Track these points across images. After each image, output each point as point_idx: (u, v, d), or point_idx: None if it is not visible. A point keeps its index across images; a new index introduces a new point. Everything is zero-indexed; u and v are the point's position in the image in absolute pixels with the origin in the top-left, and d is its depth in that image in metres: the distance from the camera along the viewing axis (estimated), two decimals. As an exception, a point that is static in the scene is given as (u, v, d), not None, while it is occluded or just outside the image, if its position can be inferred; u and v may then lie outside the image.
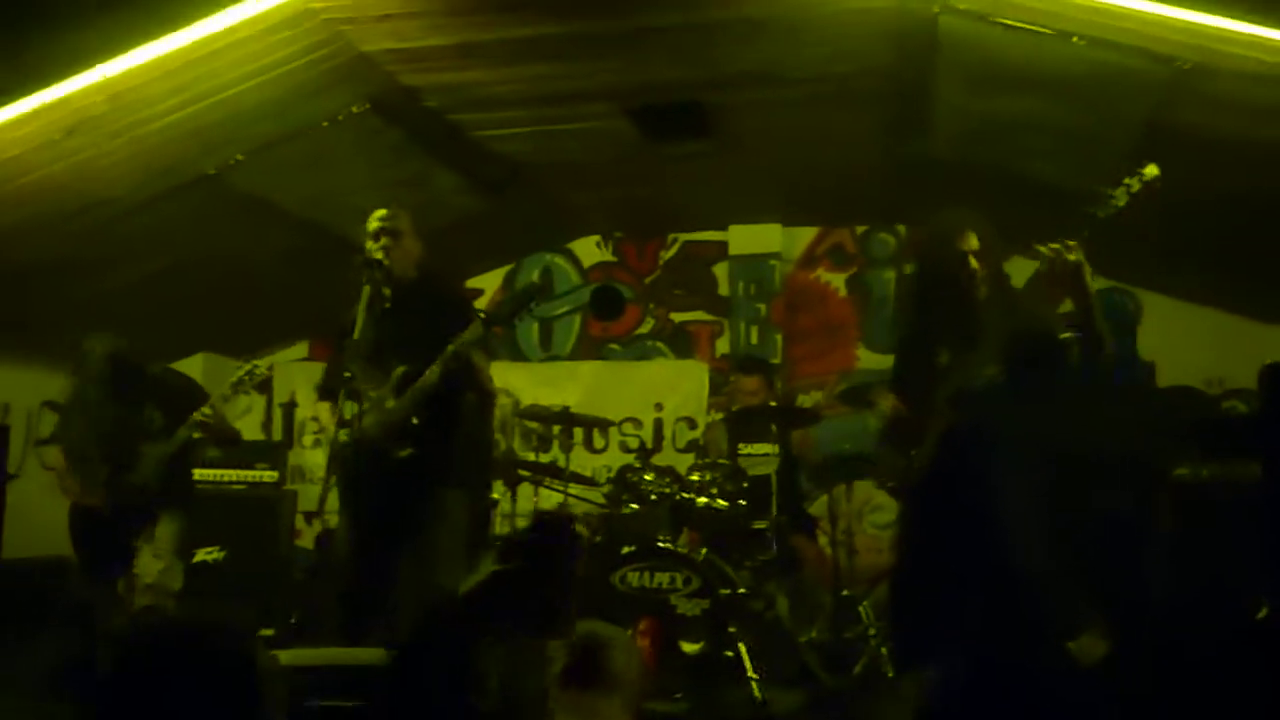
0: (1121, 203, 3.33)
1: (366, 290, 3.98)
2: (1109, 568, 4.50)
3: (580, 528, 3.08)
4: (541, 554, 2.83)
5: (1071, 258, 3.35)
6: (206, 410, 4.84)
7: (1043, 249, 3.43)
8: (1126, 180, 3.34)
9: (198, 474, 6.29)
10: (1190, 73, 4.29)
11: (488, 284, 8.29)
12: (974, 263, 3.68)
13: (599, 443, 7.86)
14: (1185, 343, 6.94)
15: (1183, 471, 4.14)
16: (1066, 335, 3.46)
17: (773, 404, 6.03)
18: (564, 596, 2.76)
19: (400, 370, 4.03)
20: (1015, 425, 3.51)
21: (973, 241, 3.71)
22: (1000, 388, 3.47)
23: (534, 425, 6.75)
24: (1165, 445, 4.33)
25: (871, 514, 7.32)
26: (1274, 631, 3.70)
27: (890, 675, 5.29)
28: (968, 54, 4.76)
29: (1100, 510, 4.51)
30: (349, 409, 3.90)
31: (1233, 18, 3.82)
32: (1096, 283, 3.50)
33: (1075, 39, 4.35)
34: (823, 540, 6.48)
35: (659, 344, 8.14)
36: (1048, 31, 4.35)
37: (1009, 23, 4.38)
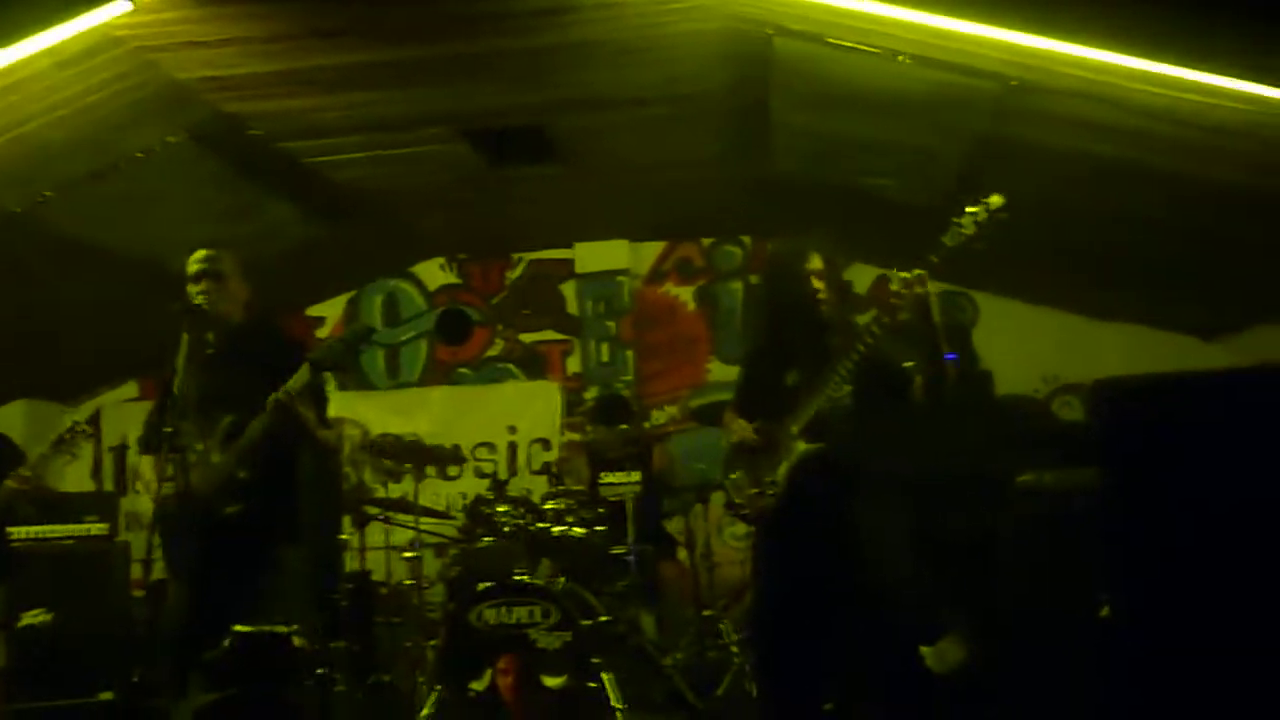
0: (970, 231, 3.40)
1: (185, 338, 3.73)
2: (963, 578, 4.59)
3: (298, 640, 2.90)
4: (251, 676, 2.65)
5: (919, 290, 3.40)
6: (25, 473, 4.50)
7: (892, 282, 3.46)
8: (971, 209, 3.41)
9: (19, 532, 5.89)
10: (1017, 89, 4.40)
11: (329, 311, 8.05)
12: (817, 283, 3.69)
13: (452, 470, 7.68)
14: (1020, 341, 7.17)
15: (1026, 479, 4.23)
16: (909, 365, 3.50)
17: (624, 428, 5.96)
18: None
19: (226, 420, 3.81)
20: (868, 451, 3.53)
21: (816, 262, 3.73)
22: (851, 415, 3.48)
23: (385, 462, 6.52)
24: (1007, 456, 4.43)
25: (730, 526, 7.35)
26: (1113, 629, 3.80)
27: (754, 693, 5.31)
28: (803, 74, 4.80)
29: (951, 524, 4.61)
30: (171, 464, 3.64)
31: (1053, 38, 3.91)
32: (933, 286, 3.56)
33: (901, 58, 4.42)
34: (682, 555, 6.46)
35: (510, 366, 8.03)
36: (876, 51, 4.41)
37: (840, 43, 4.42)
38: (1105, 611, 3.93)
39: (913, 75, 4.54)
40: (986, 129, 4.91)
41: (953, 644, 4.53)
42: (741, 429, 3.83)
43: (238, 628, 3.22)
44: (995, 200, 3.42)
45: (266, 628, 3.58)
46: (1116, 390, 3.64)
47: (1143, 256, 5.83)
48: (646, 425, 7.42)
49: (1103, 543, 3.72)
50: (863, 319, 3.68)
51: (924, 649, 3.99)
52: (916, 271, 3.44)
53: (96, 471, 7.87)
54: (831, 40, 4.40)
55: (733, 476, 3.85)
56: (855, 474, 3.51)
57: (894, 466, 3.61)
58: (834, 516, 3.50)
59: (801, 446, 3.52)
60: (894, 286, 3.45)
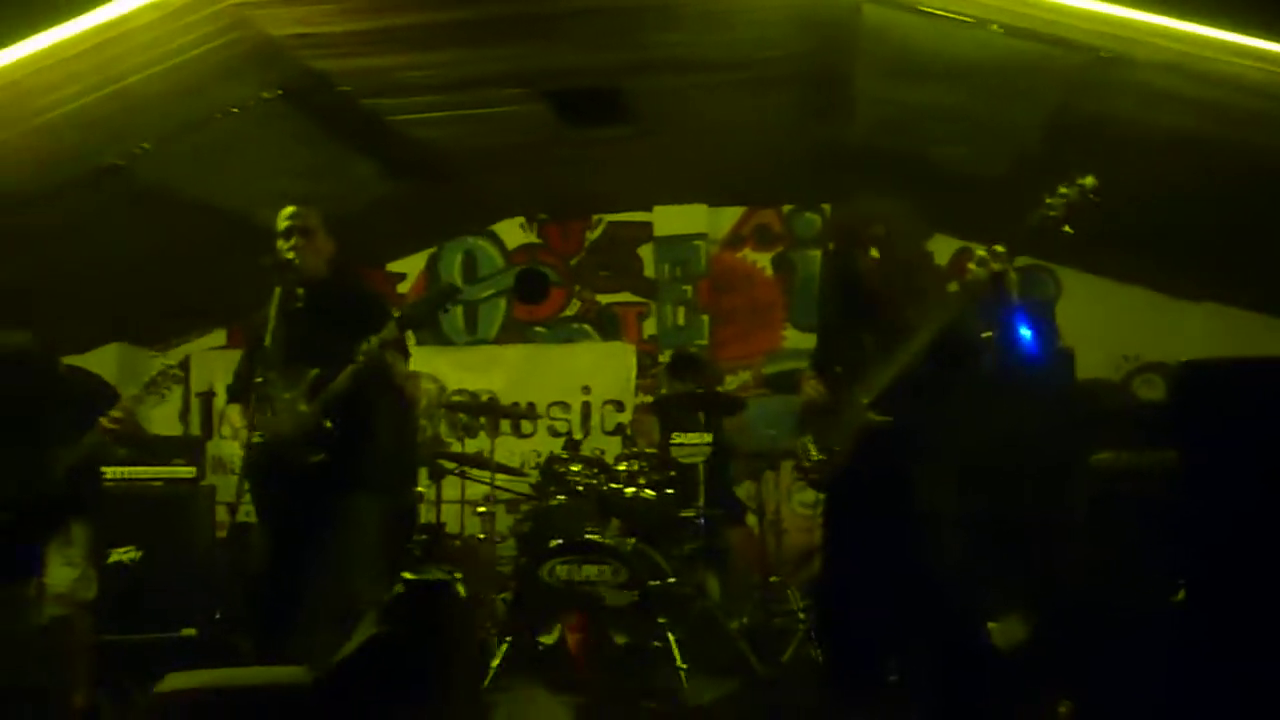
0: (1058, 214, 3.29)
1: (278, 291, 3.85)
2: (1031, 556, 4.57)
3: (460, 588, 2.98)
4: (418, 618, 2.73)
5: (996, 266, 3.34)
6: (117, 414, 4.66)
7: (972, 262, 3.40)
8: (1064, 189, 3.30)
9: (112, 472, 6.11)
10: (1107, 61, 4.31)
11: (410, 268, 8.17)
12: (874, 251, 3.63)
13: (526, 428, 7.79)
14: (1102, 318, 7.05)
15: (1102, 458, 4.19)
16: (987, 335, 3.45)
17: (699, 390, 5.98)
18: (444, 662, 2.67)
19: (313, 373, 3.91)
20: (939, 426, 3.51)
21: (878, 229, 3.66)
22: (922, 388, 3.46)
23: (460, 416, 6.65)
24: (1083, 436, 4.38)
25: (799, 493, 7.36)
26: (1189, 614, 3.76)
27: (819, 661, 5.34)
28: (889, 41, 4.75)
29: (1021, 501, 4.58)
30: (259, 413, 3.77)
31: (1147, 9, 3.83)
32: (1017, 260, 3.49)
33: (993, 26, 4.35)
34: (751, 521, 6.50)
35: (585, 326, 8.09)
36: (968, 19, 4.34)
37: (932, 10, 4.36)
38: (1180, 595, 3.90)
39: (1001, 45, 4.47)
40: (1069, 100, 4.82)
41: (1016, 621, 4.52)
42: (813, 389, 3.80)
43: (406, 575, 3.31)
44: (1089, 181, 3.29)
45: (434, 574, 3.66)
46: (1199, 373, 3.59)
47: (1227, 235, 5.70)
48: (719, 389, 7.44)
49: (1179, 525, 3.69)
50: (943, 289, 3.63)
51: (991, 625, 3.98)
52: (997, 248, 3.38)
53: (184, 416, 8.12)
54: (924, 8, 4.34)
55: (803, 439, 3.81)
56: (923, 448, 3.49)
57: (964, 443, 3.59)
58: (899, 490, 3.48)
59: (870, 417, 3.50)
60: (972, 265, 3.39)
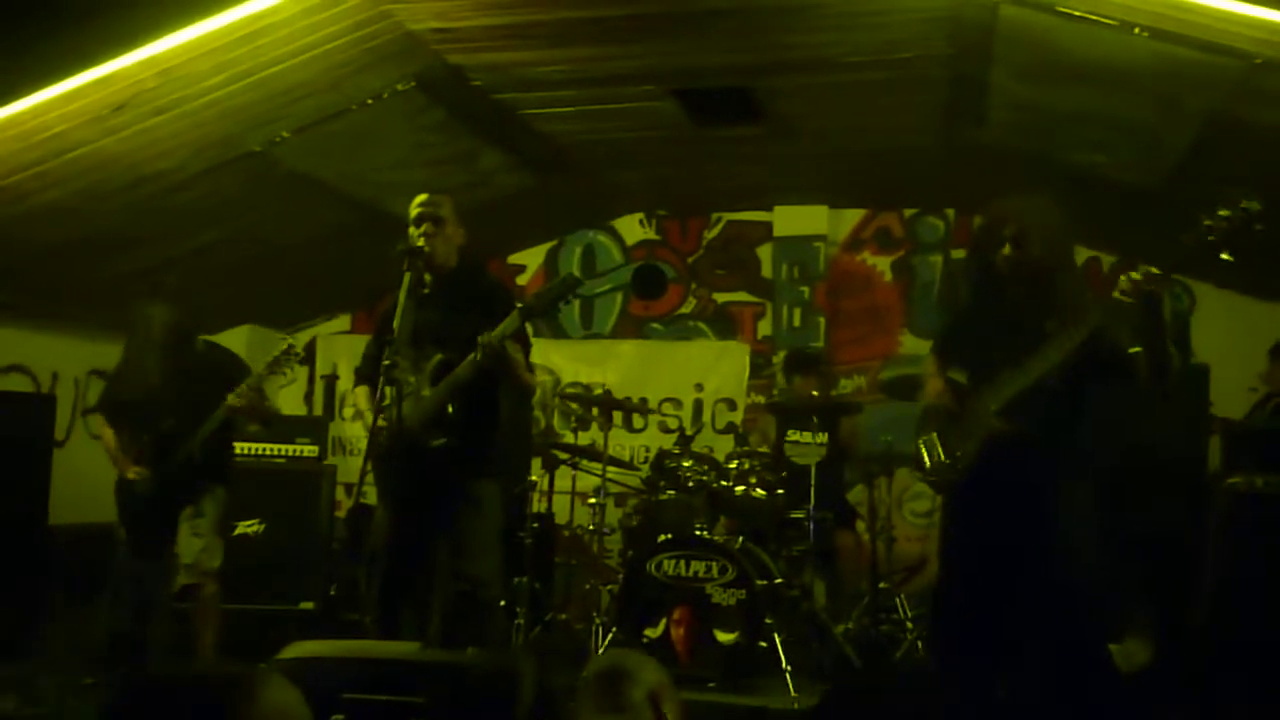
0: (1216, 238, 3.12)
1: (408, 277, 3.94)
2: (1158, 577, 4.43)
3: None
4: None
5: (1149, 288, 3.22)
6: (243, 389, 4.84)
7: (1124, 279, 3.29)
8: (1224, 212, 3.13)
9: (239, 448, 6.35)
10: (1261, 68, 4.14)
11: (530, 260, 8.28)
12: (1009, 250, 3.55)
13: (638, 423, 7.83)
14: (1239, 335, 6.78)
15: (1235, 481, 4.04)
16: (1136, 350, 3.32)
17: (815, 393, 5.94)
18: None
19: (437, 358, 3.99)
20: (1070, 439, 3.41)
21: (1011, 228, 3.57)
22: (1056, 399, 3.37)
23: (574, 406, 6.72)
24: (1217, 456, 4.23)
25: (911, 501, 7.27)
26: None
27: (929, 669, 5.26)
28: (1026, 44, 4.64)
29: (1150, 520, 4.44)
30: (387, 395, 3.87)
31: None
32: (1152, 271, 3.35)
33: (1138, 30, 4.22)
34: (860, 527, 6.44)
35: (700, 324, 8.09)
36: (1111, 22, 4.22)
37: (1071, 12, 4.25)
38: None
39: (1145, 49, 4.33)
40: (1220, 108, 4.64)
41: (1140, 643, 4.39)
42: (937, 390, 3.71)
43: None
44: (1254, 206, 3.12)
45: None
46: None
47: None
48: (834, 393, 7.38)
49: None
50: (1086, 298, 3.50)
51: (1113, 646, 3.86)
52: (1152, 269, 3.25)
53: (308, 398, 8.38)
54: (1063, 9, 4.23)
55: (924, 438, 3.73)
56: (1052, 459, 3.40)
57: (1098, 458, 3.47)
58: (1026, 500, 3.40)
59: (997, 424, 3.42)
60: (1123, 284, 3.26)
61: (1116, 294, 3.28)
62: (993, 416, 3.42)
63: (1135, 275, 3.24)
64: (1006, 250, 3.53)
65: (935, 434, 3.65)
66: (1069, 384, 3.37)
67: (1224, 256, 3.14)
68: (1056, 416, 3.39)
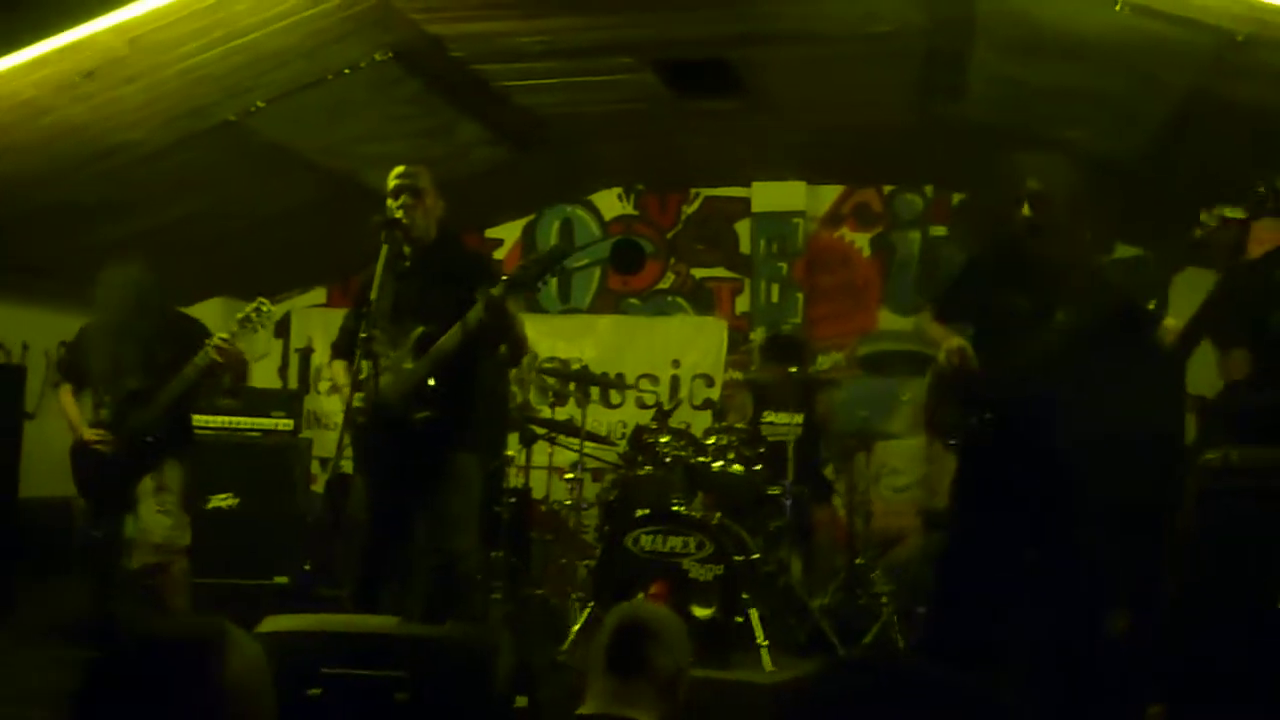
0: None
1: (385, 250, 3.89)
2: (1134, 546, 4.45)
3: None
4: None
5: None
6: (224, 336, 4.76)
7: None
8: (1228, 212, 3.14)
9: (214, 422, 6.30)
10: (1240, 44, 4.15)
11: (507, 234, 8.24)
12: (1026, 209, 3.53)
13: (615, 399, 7.82)
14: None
15: (1211, 456, 4.05)
16: (1153, 306, 3.33)
17: (792, 369, 5.94)
18: None
19: (419, 331, 3.96)
20: (1088, 401, 3.41)
21: (1034, 184, 3.55)
22: (1083, 355, 3.36)
23: (551, 381, 6.70)
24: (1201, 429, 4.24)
25: (888, 477, 7.29)
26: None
27: (901, 644, 5.30)
28: (1008, 18, 4.63)
29: (1131, 490, 4.46)
30: (364, 369, 3.83)
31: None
32: (1122, 251, 3.39)
33: (1118, 6, 4.21)
34: (837, 502, 6.46)
35: (679, 299, 8.08)
36: (1092, -3, 4.21)
37: (1052, -13, 4.25)
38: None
39: (1126, 24, 4.32)
40: (1200, 84, 4.65)
41: (1116, 614, 4.41)
42: (951, 350, 3.65)
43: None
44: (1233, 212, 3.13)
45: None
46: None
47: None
48: (812, 370, 7.38)
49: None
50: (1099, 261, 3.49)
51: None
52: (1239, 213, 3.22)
53: (283, 371, 8.32)
54: (1042, -16, 4.23)
55: (937, 403, 3.68)
56: (1071, 423, 3.39)
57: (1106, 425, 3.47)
58: (1044, 468, 3.40)
59: (1021, 387, 3.39)
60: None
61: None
62: (1016, 375, 3.40)
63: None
64: (1025, 210, 3.51)
65: (952, 394, 3.62)
66: (1093, 344, 3.36)
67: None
68: (1081, 377, 3.38)
